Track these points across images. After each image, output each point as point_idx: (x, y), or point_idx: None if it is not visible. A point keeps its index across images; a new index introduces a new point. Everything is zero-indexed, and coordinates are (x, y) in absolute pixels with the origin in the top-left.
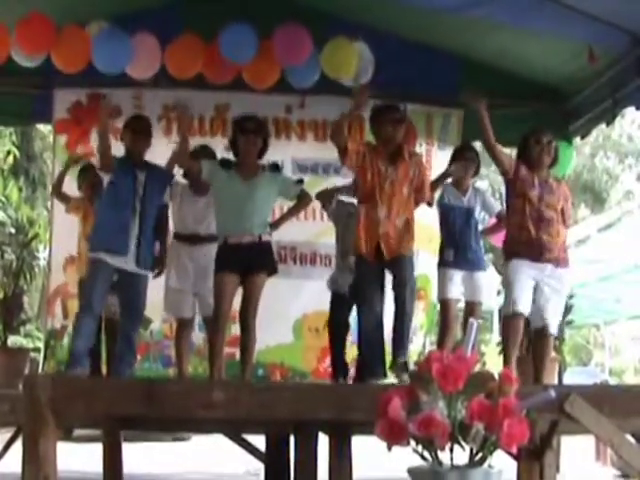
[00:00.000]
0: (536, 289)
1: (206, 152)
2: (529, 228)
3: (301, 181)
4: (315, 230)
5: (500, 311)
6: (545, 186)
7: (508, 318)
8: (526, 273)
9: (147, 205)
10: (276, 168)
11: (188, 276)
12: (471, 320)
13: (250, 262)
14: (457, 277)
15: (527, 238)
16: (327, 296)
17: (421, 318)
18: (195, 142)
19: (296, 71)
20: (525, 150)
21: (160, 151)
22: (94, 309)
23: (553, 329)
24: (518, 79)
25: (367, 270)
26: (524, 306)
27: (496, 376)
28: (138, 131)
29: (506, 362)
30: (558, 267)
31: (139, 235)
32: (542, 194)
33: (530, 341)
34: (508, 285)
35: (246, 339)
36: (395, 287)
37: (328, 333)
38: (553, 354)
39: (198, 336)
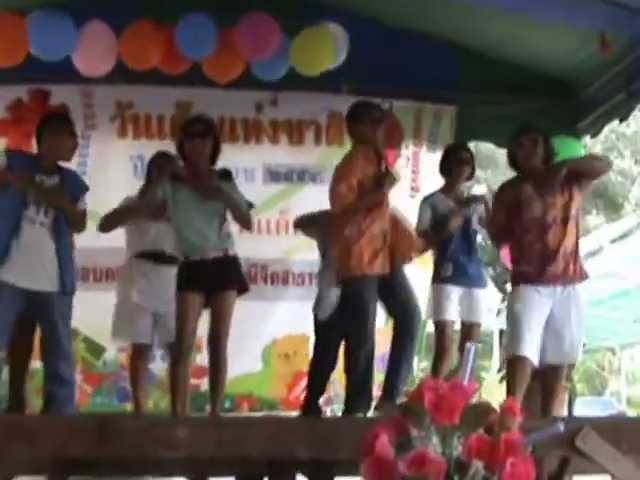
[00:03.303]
0: (548, 319)
1: (163, 162)
2: (529, 237)
3: (251, 205)
4: (288, 246)
5: (505, 346)
6: (543, 187)
7: (512, 360)
8: (535, 304)
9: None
10: (227, 175)
11: (149, 294)
12: (468, 344)
13: (216, 279)
14: (454, 295)
15: (529, 250)
16: (299, 318)
17: None
18: (155, 146)
19: (264, 63)
20: (512, 155)
21: (115, 156)
22: None
23: (573, 359)
24: (520, 71)
25: (362, 291)
26: (530, 349)
27: (497, 408)
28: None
29: None
30: (571, 283)
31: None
32: (540, 196)
33: (537, 369)
34: (512, 319)
35: (217, 366)
36: (400, 313)
37: (309, 369)
38: (563, 382)
39: (160, 367)
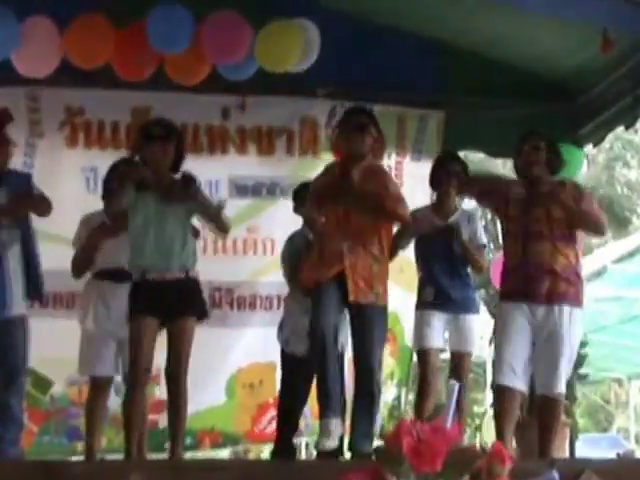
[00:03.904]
0: (534, 340)
1: (127, 169)
2: (515, 250)
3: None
4: (256, 267)
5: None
6: (539, 197)
7: (498, 389)
8: (518, 323)
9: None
10: (190, 179)
11: (109, 319)
12: (452, 382)
13: (176, 304)
14: (439, 321)
15: (513, 264)
16: (265, 345)
17: (390, 365)
18: (109, 156)
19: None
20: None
21: (65, 169)
22: None
23: (559, 388)
24: (515, 73)
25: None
26: (514, 377)
27: (485, 450)
28: None
29: (499, 437)
30: (561, 304)
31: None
32: (530, 206)
33: (533, 401)
34: (497, 342)
35: (176, 401)
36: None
37: (278, 402)
38: (563, 418)
39: (114, 401)
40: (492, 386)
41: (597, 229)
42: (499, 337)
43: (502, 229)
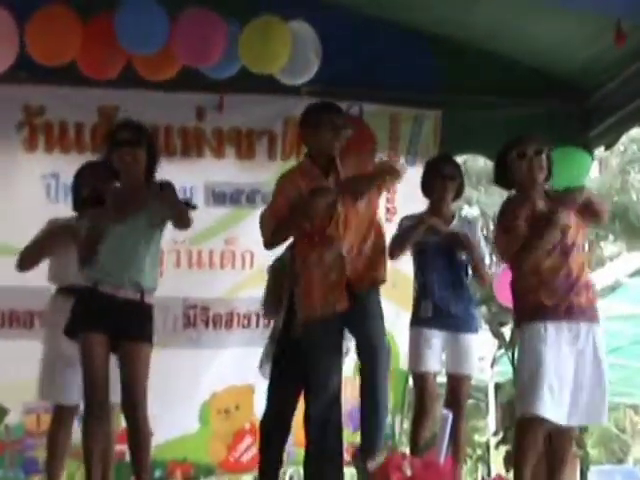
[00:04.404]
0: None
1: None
2: (549, 262)
3: (188, 204)
4: (234, 282)
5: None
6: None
7: (525, 421)
8: (559, 346)
9: None
10: (167, 186)
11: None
12: (445, 412)
13: (126, 326)
14: (436, 341)
15: (545, 278)
16: (243, 366)
17: None
18: (72, 161)
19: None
20: (505, 170)
21: (22, 175)
22: None
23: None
24: (518, 69)
25: (311, 336)
26: (552, 408)
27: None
28: None
29: (518, 476)
30: (592, 322)
31: None
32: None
33: None
34: (529, 367)
35: (137, 434)
36: (360, 352)
37: (260, 431)
38: (573, 448)
39: (75, 430)
40: (519, 415)
41: (604, 219)
42: (532, 362)
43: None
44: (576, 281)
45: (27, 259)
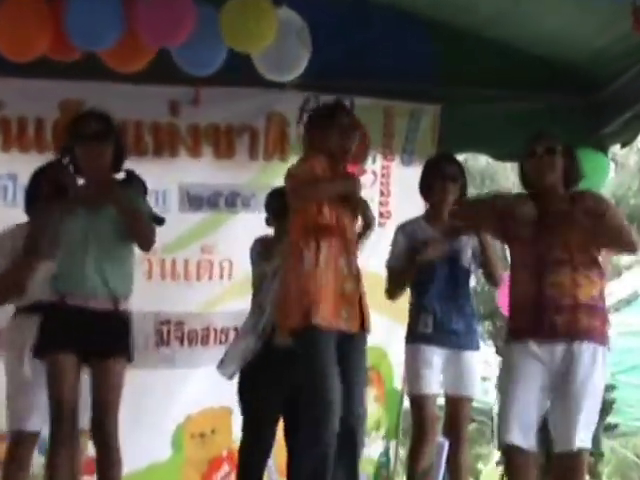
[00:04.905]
0: (549, 386)
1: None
2: (527, 281)
3: (159, 220)
4: (211, 294)
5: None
6: (553, 216)
7: (506, 449)
8: (530, 366)
9: None
10: (129, 179)
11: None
12: (441, 440)
13: (99, 341)
14: (436, 359)
15: (524, 297)
16: (219, 386)
17: (375, 412)
18: (32, 161)
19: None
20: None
21: None
22: None
23: (580, 442)
24: (525, 59)
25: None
26: (527, 433)
27: None
28: None
29: None
30: (582, 340)
31: None
32: (544, 228)
33: (550, 461)
34: (502, 391)
35: (106, 460)
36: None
37: (239, 457)
38: (587, 478)
39: (36, 461)
40: (498, 446)
41: (626, 247)
42: (505, 384)
43: (510, 256)
44: (555, 301)
45: (3, 294)
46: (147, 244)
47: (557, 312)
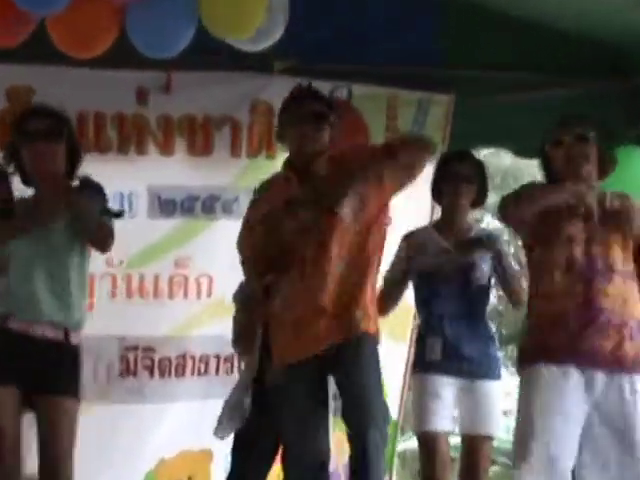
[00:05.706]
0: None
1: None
2: (569, 290)
3: (118, 214)
4: (187, 315)
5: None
6: (593, 213)
7: None
8: (569, 397)
9: None
10: (86, 185)
11: None
12: None
13: (44, 375)
14: (447, 392)
15: (563, 308)
16: (198, 425)
17: None
18: None
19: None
20: (547, 163)
21: None
22: None
23: None
24: (550, 39)
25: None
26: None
27: None
28: None
29: None
30: (630, 372)
31: None
32: (588, 229)
33: None
34: (527, 420)
35: None
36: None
37: None
38: None
39: None
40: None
41: None
42: (530, 414)
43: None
44: (605, 318)
45: None
46: (104, 243)
47: (605, 334)
